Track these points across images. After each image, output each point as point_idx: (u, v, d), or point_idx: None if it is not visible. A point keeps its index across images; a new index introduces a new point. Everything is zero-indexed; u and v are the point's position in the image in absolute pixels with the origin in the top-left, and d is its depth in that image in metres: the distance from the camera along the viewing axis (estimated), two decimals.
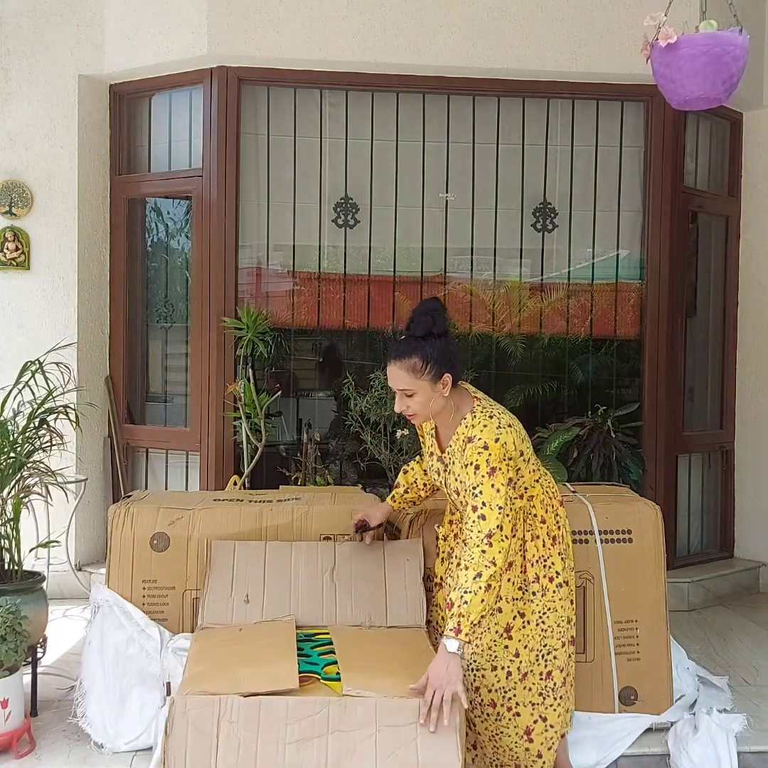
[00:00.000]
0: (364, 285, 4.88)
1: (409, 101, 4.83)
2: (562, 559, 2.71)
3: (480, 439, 2.54)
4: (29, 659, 3.15)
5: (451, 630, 2.35)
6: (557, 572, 2.69)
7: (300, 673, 2.43)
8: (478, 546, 2.43)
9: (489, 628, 2.65)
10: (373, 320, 4.89)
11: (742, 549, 5.35)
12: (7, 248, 4.77)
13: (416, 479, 3.00)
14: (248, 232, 4.79)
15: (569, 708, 2.78)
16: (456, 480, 2.63)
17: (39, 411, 3.55)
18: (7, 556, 3.46)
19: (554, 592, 2.68)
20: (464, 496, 2.57)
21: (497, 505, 2.46)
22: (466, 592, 2.38)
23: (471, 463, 2.52)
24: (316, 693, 2.39)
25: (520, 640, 2.66)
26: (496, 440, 2.53)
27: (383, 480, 4.53)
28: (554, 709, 2.68)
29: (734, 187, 5.33)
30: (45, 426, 3.57)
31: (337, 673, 2.48)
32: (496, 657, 2.66)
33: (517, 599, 2.67)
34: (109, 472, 4.99)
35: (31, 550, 3.80)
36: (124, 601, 3.09)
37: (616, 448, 4.55)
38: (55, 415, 3.61)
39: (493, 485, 2.48)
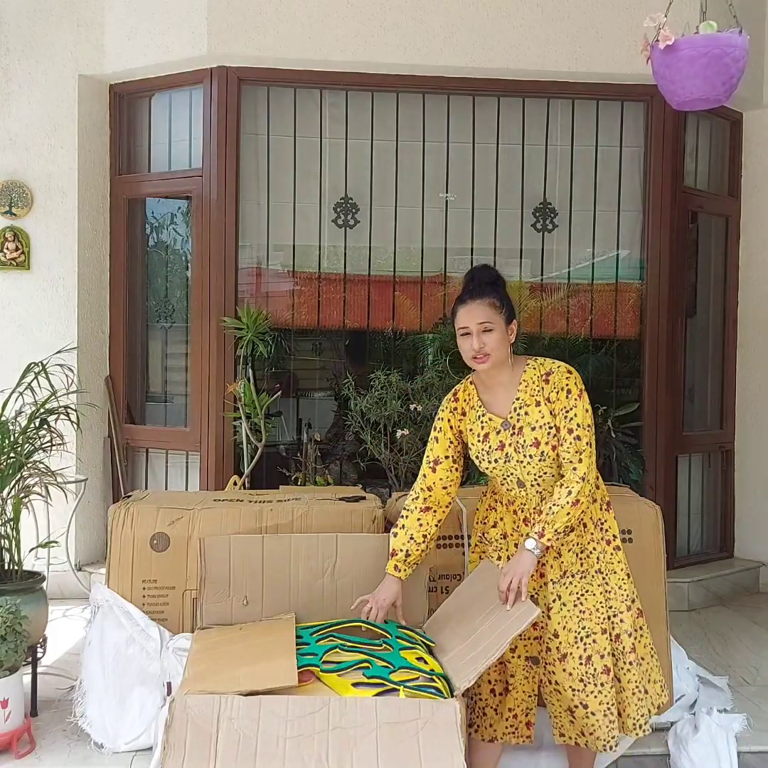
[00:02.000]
0: (364, 285, 4.88)
1: (409, 101, 4.83)
2: (617, 524, 2.77)
3: (561, 367, 2.71)
4: (29, 659, 3.16)
5: (535, 532, 2.58)
6: (614, 535, 2.74)
7: (299, 668, 2.43)
8: (570, 462, 2.62)
9: (593, 593, 2.64)
10: (373, 320, 4.89)
11: (742, 549, 5.35)
12: (7, 248, 4.77)
13: (412, 535, 2.78)
14: (248, 232, 4.79)
15: (655, 677, 2.75)
16: (533, 430, 2.65)
17: (40, 411, 3.55)
18: (7, 556, 3.46)
19: (612, 554, 2.71)
20: (548, 441, 2.63)
21: (588, 424, 2.65)
22: (555, 504, 2.58)
23: (562, 388, 2.66)
24: (315, 692, 2.39)
25: (558, 622, 2.65)
26: (573, 369, 2.73)
27: (383, 480, 4.53)
28: (624, 674, 2.64)
29: (734, 187, 5.34)
30: (45, 426, 3.57)
31: (337, 664, 2.48)
32: (604, 619, 2.65)
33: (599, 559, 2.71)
34: (109, 472, 4.99)
35: (31, 550, 3.81)
36: (124, 601, 3.09)
37: (616, 448, 4.56)
38: (56, 415, 3.61)
39: (585, 408, 2.66)
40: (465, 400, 2.79)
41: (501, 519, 2.78)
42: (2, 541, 3.44)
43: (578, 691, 2.61)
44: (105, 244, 5.00)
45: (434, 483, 2.79)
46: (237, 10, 4.50)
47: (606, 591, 2.68)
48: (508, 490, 2.73)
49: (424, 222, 4.88)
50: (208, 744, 2.21)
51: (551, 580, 2.67)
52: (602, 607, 2.65)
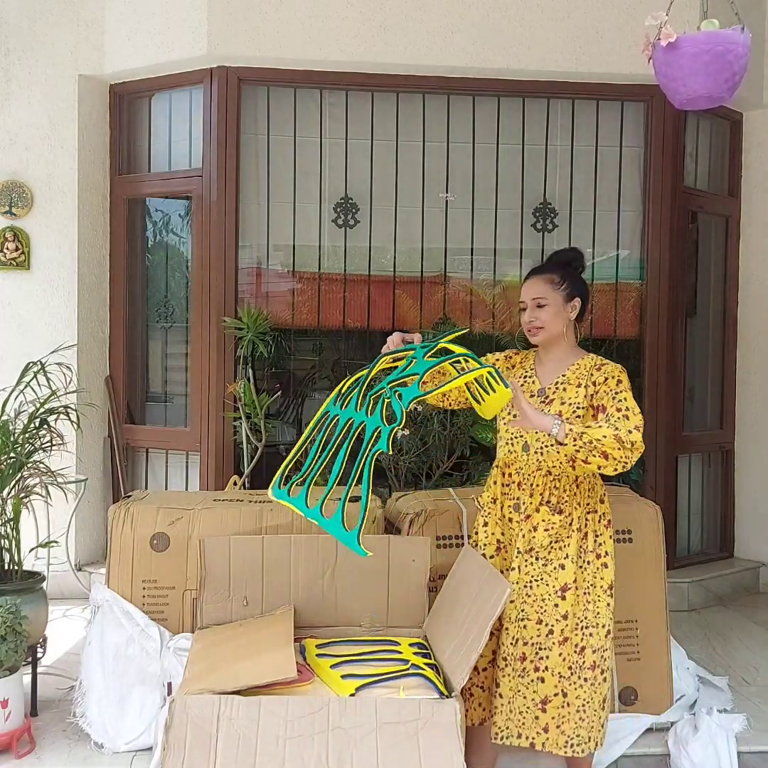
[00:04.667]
0: (364, 285, 4.88)
1: (409, 101, 4.83)
2: (612, 543, 2.78)
3: (617, 365, 2.76)
4: (29, 659, 3.16)
5: (566, 421, 2.59)
6: (606, 552, 2.76)
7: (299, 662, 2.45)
8: (629, 432, 2.56)
9: (547, 583, 2.68)
10: (373, 320, 4.89)
11: (742, 549, 5.35)
12: (7, 248, 4.77)
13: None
14: (248, 232, 4.79)
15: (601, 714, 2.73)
16: (562, 404, 2.71)
17: (40, 411, 3.55)
18: (7, 556, 3.46)
19: (598, 569, 2.73)
20: (569, 418, 2.68)
21: (638, 412, 2.65)
22: (600, 425, 2.57)
23: (613, 377, 2.70)
24: (315, 693, 2.39)
25: (572, 604, 2.68)
26: (625, 370, 2.77)
27: (383, 480, 4.53)
28: (575, 689, 2.67)
29: (734, 187, 5.33)
30: (45, 426, 3.57)
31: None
32: (544, 611, 2.68)
33: (575, 562, 2.71)
34: (109, 472, 4.99)
35: (31, 550, 3.80)
36: (124, 601, 3.09)
37: None
38: (56, 415, 3.61)
39: (634, 401, 2.67)
40: (521, 359, 2.93)
41: (494, 483, 2.83)
42: (2, 541, 3.44)
43: (499, 668, 2.67)
44: (105, 244, 5.00)
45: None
46: (237, 10, 4.50)
47: (587, 602, 2.69)
48: (510, 451, 2.79)
49: (424, 222, 4.87)
50: (208, 744, 2.22)
51: (519, 550, 2.71)
52: (548, 598, 2.68)
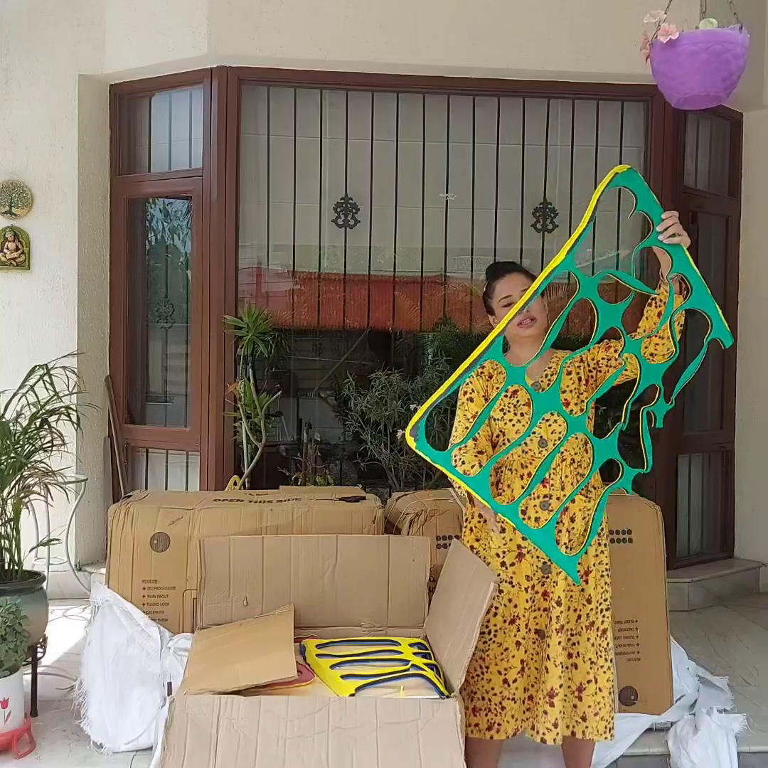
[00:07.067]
0: (364, 285, 4.88)
1: (409, 101, 4.83)
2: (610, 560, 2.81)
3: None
4: (29, 659, 3.16)
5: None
6: (607, 532, 2.80)
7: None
8: None
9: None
10: (373, 320, 4.89)
11: (742, 549, 5.35)
12: (7, 248, 4.77)
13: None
14: (248, 232, 4.79)
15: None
16: (562, 393, 2.68)
17: (41, 412, 3.55)
18: (7, 556, 3.46)
19: (603, 550, 2.76)
20: (576, 403, 2.73)
21: None
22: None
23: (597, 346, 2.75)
24: (315, 693, 2.39)
25: (593, 588, 2.70)
26: None
27: (383, 480, 4.53)
28: (603, 673, 2.69)
29: (734, 187, 5.34)
30: (46, 426, 3.57)
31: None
32: (572, 597, 2.69)
33: (591, 544, 2.72)
34: (109, 472, 4.99)
35: (31, 550, 3.81)
36: (124, 601, 3.09)
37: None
38: (57, 416, 3.61)
39: None
40: (492, 367, 2.82)
41: (508, 486, 2.74)
42: (2, 541, 3.44)
43: (594, 664, 2.67)
44: (105, 244, 5.00)
45: (478, 433, 2.73)
46: (237, 9, 4.50)
47: (605, 583, 2.72)
48: (524, 451, 2.72)
49: (424, 222, 4.87)
50: (208, 744, 2.21)
51: (566, 546, 2.69)
52: (575, 584, 2.69)
